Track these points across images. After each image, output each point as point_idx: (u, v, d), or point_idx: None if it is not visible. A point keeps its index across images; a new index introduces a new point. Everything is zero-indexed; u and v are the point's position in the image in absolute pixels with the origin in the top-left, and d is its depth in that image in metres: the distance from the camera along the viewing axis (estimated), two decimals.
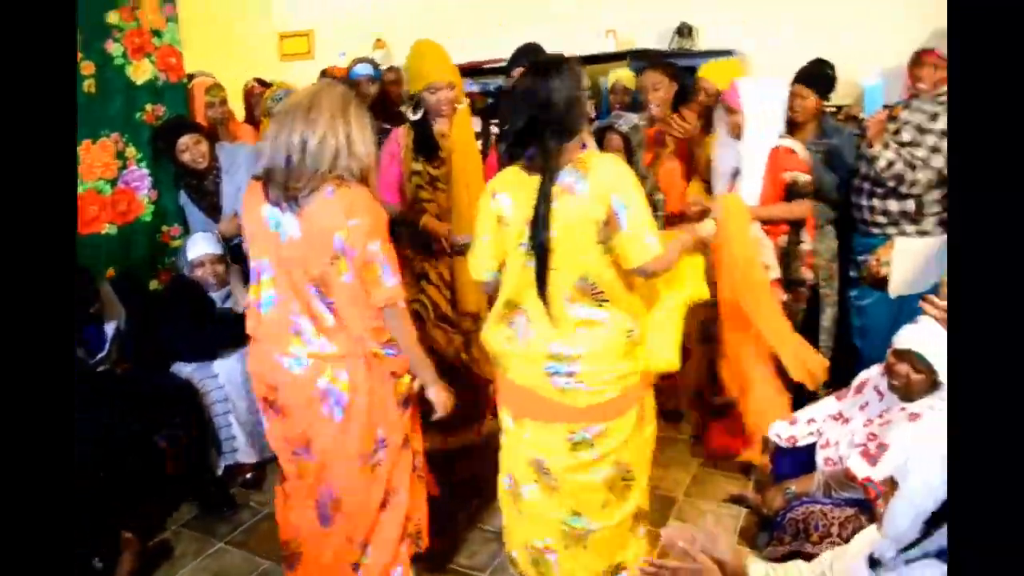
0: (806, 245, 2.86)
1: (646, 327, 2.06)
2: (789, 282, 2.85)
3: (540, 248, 1.87)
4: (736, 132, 2.83)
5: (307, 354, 1.99)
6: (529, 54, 3.04)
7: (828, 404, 2.61)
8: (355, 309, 1.96)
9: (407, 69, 2.84)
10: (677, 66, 3.46)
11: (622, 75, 3.99)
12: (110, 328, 2.90)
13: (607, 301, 1.94)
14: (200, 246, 3.04)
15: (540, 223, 1.85)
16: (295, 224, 1.91)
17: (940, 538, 1.36)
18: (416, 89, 2.79)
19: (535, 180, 1.88)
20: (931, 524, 1.38)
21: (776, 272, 2.80)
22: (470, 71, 4.74)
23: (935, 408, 2.18)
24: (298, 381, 2.01)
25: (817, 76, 3.14)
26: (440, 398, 2.12)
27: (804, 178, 2.78)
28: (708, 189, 3.08)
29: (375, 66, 3.77)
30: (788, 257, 2.82)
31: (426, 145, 2.79)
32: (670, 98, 3.29)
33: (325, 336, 1.98)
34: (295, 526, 2.18)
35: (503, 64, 3.43)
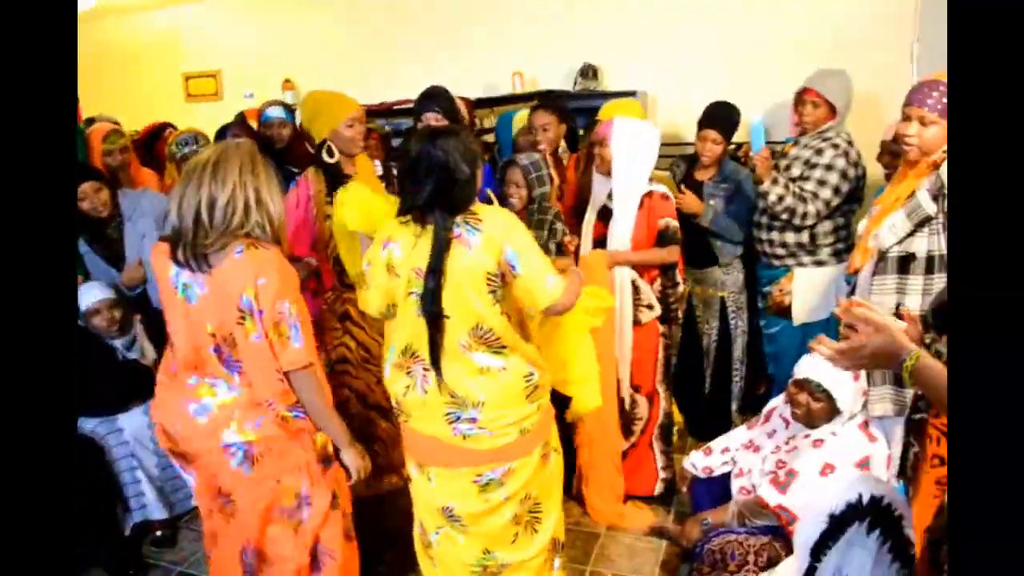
0: (680, 286, 3.02)
1: (548, 369, 2.08)
2: (666, 319, 2.98)
3: (432, 299, 1.87)
4: (603, 166, 2.93)
5: (215, 404, 1.95)
6: (435, 98, 3.07)
7: (740, 433, 2.70)
8: (262, 372, 1.91)
9: (309, 120, 2.79)
10: (566, 107, 3.63)
11: (526, 116, 4.07)
12: None
13: (504, 348, 1.94)
14: (91, 293, 2.92)
15: (433, 276, 1.86)
16: (203, 284, 1.88)
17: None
18: (329, 129, 2.75)
19: (427, 231, 1.89)
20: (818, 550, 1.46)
21: (657, 311, 2.93)
22: (378, 112, 4.76)
23: (837, 434, 2.29)
24: (196, 431, 1.96)
25: (722, 118, 3.27)
26: (356, 463, 2.08)
27: (675, 224, 2.90)
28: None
29: (288, 108, 3.72)
30: (666, 298, 2.96)
31: (339, 187, 2.76)
32: (559, 137, 3.47)
33: (231, 385, 1.95)
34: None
35: (410, 105, 3.45)
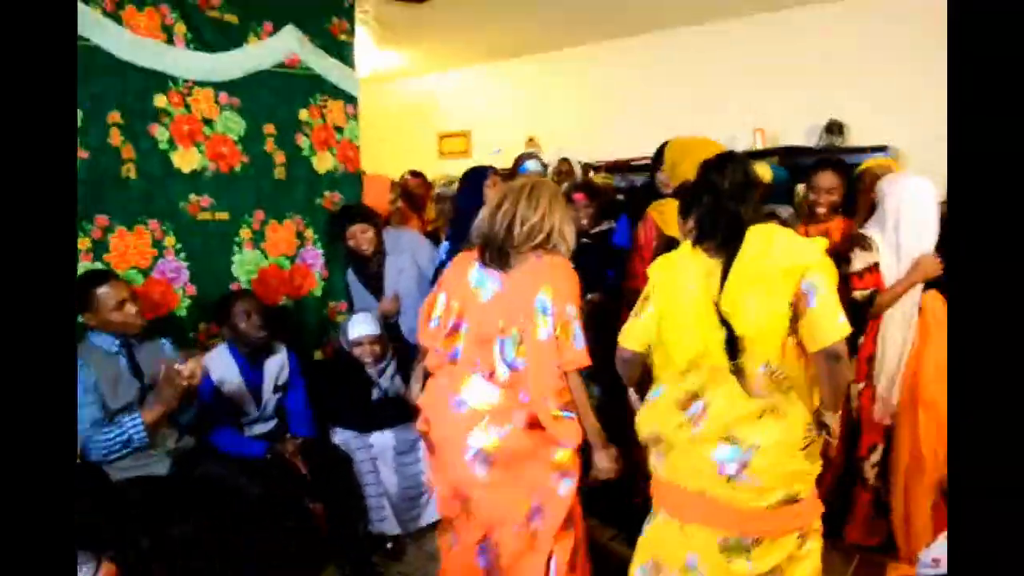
0: None
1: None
2: None
3: (730, 329, 1.85)
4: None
5: (472, 402, 2.11)
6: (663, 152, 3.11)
7: None
8: (543, 368, 2.06)
9: (673, 164, 2.89)
10: (851, 169, 3.30)
11: (761, 171, 3.99)
12: (269, 385, 3.07)
13: (791, 389, 1.86)
14: (360, 327, 3.21)
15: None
16: (500, 281, 2.10)
17: None
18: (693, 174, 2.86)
19: (719, 261, 1.89)
20: None
21: None
22: (616, 167, 4.92)
23: None
24: (452, 422, 2.13)
25: None
26: (603, 464, 2.17)
27: None
28: None
29: (541, 161, 4.03)
30: None
31: None
32: (838, 204, 3.11)
33: (495, 388, 2.11)
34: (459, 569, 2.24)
35: (647, 162, 3.52)
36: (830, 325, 1.78)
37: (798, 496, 1.86)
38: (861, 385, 2.73)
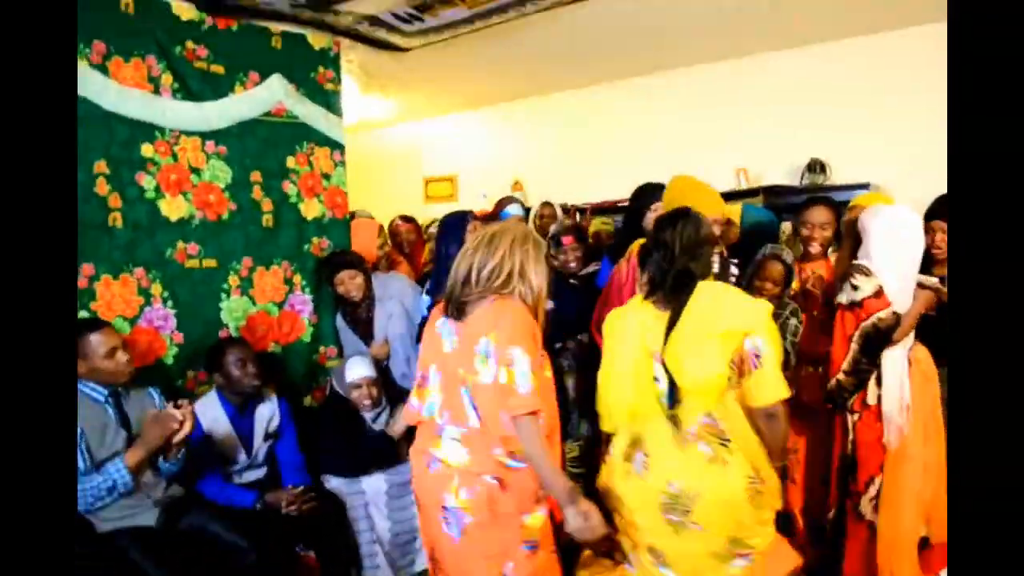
0: None
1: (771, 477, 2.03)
2: None
3: (671, 380, 1.97)
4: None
5: (444, 460, 2.05)
6: (650, 192, 3.16)
7: None
8: (489, 414, 1.99)
9: (671, 200, 2.86)
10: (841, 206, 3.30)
11: (729, 210, 3.96)
12: (259, 432, 3.03)
13: (729, 441, 1.95)
14: (358, 369, 3.20)
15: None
16: (455, 331, 2.08)
17: None
18: None
19: (666, 315, 2.01)
20: None
21: None
22: (601, 209, 4.96)
23: None
24: (428, 483, 2.09)
25: None
26: (576, 522, 1.89)
27: None
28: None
29: (522, 205, 4.07)
30: None
31: None
32: (830, 240, 3.13)
33: (463, 445, 2.04)
34: None
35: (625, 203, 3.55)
36: (772, 387, 1.94)
37: (751, 547, 1.95)
38: (856, 416, 2.71)
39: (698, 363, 1.93)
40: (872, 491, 2.69)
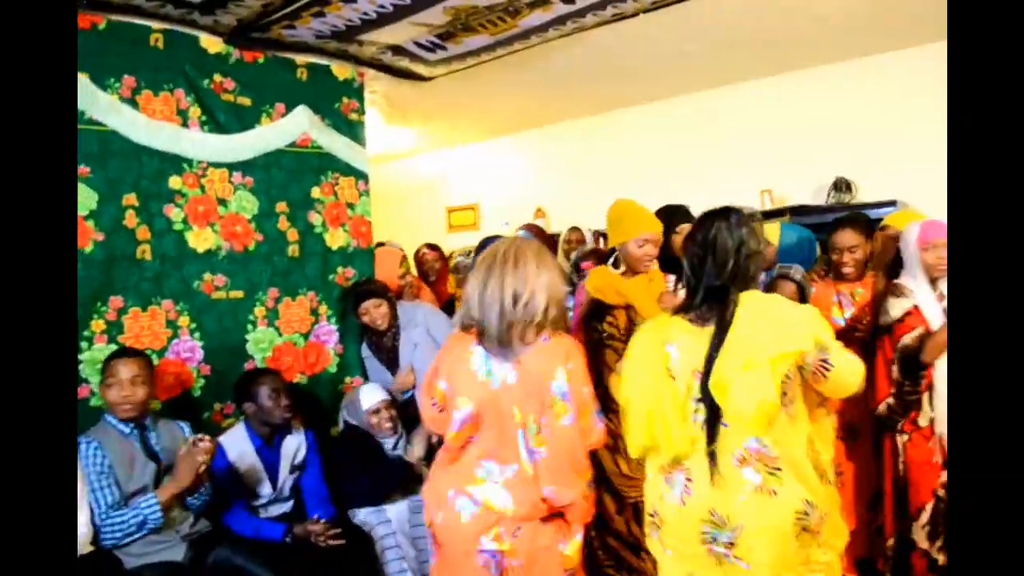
0: None
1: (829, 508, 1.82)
2: None
3: (711, 401, 1.78)
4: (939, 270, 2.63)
5: (481, 501, 1.97)
6: (675, 214, 3.16)
7: None
8: (571, 452, 1.96)
9: (608, 225, 2.92)
10: (873, 224, 3.26)
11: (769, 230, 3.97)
12: (286, 464, 3.00)
13: (780, 470, 1.75)
14: (373, 395, 3.18)
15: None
16: (511, 371, 1.97)
17: None
18: (620, 240, 2.86)
19: (705, 331, 1.82)
20: None
21: None
22: None
23: None
24: (462, 528, 1.99)
25: None
26: None
27: None
28: None
29: (536, 229, 4.06)
30: None
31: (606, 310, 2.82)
32: (864, 260, 3.08)
33: (507, 489, 1.97)
34: None
35: None
36: (851, 376, 1.79)
37: None
38: (906, 437, 2.63)
39: (746, 390, 1.71)
40: (923, 518, 2.60)
